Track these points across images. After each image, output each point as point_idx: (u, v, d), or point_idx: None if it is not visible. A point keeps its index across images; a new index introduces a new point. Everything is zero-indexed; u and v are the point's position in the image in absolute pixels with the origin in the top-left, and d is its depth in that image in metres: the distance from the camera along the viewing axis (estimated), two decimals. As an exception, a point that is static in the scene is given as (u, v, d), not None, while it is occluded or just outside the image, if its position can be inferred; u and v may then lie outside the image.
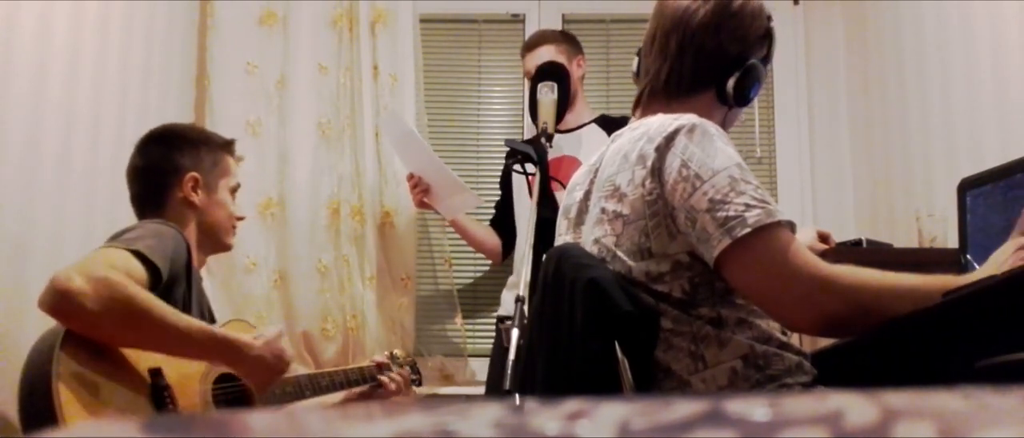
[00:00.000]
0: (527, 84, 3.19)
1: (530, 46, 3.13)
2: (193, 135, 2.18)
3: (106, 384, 1.70)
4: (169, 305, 1.77)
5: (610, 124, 3.02)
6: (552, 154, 2.96)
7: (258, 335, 1.90)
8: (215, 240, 2.16)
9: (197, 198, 2.09)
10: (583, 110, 3.12)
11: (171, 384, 1.79)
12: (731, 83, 1.53)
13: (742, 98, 1.55)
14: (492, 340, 3.10)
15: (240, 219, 2.22)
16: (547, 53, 3.02)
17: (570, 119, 3.03)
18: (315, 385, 2.15)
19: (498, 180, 3.30)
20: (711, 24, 1.53)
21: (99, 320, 1.66)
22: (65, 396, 1.61)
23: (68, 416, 1.59)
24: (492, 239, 3.22)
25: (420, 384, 2.57)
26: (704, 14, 1.53)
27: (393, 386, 2.31)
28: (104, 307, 1.65)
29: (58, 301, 1.64)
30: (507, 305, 3.09)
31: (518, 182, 3.08)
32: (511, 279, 3.13)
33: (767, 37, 1.58)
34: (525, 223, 2.96)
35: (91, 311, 1.64)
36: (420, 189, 3.07)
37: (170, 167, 2.09)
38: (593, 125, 3.08)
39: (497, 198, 3.28)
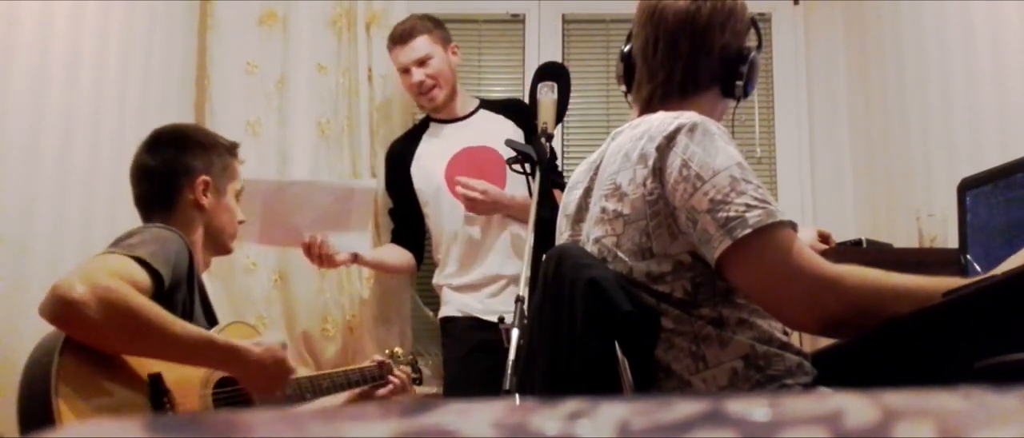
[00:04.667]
0: (398, 81, 3.05)
1: (403, 39, 2.94)
2: (203, 137, 2.17)
3: (105, 389, 1.70)
4: (170, 311, 1.77)
5: (494, 105, 3.06)
6: (450, 149, 2.94)
7: (259, 341, 1.90)
8: (219, 243, 2.15)
9: (207, 201, 2.08)
10: (466, 98, 3.10)
11: (171, 389, 1.79)
12: (743, 77, 1.58)
13: (747, 90, 1.60)
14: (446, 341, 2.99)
15: (241, 222, 2.22)
16: (423, 43, 2.94)
17: (456, 109, 3.03)
18: (316, 387, 2.15)
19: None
20: (716, 23, 1.56)
21: (101, 330, 1.66)
22: (64, 401, 1.61)
23: (66, 421, 1.59)
24: (404, 259, 3.02)
25: (420, 383, 2.58)
26: (708, 14, 1.56)
27: (398, 382, 2.32)
28: (106, 318, 1.64)
29: (60, 311, 1.63)
30: (455, 303, 2.94)
31: (420, 184, 2.97)
32: (443, 272, 2.98)
33: (752, 25, 1.65)
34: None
35: (93, 321, 1.63)
36: (321, 251, 2.71)
37: (182, 169, 2.08)
38: (482, 110, 3.07)
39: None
